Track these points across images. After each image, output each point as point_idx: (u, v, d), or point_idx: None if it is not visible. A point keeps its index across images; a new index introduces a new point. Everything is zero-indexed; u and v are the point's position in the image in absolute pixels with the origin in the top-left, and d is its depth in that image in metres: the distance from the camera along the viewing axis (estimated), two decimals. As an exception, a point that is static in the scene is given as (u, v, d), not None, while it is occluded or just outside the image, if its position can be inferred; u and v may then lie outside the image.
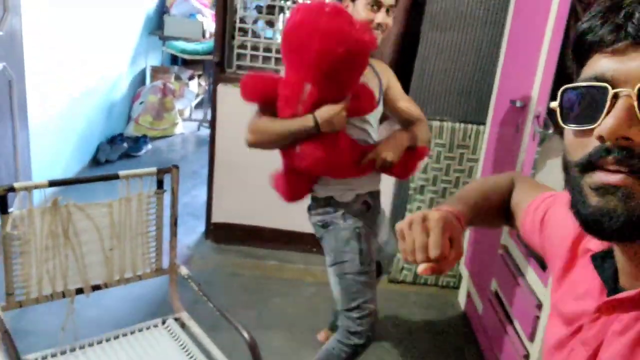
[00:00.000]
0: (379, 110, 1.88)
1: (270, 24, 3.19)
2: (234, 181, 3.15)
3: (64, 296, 1.55)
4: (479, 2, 2.67)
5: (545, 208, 0.89)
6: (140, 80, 5.25)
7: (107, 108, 4.52)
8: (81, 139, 4.06)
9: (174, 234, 1.69)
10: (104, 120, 4.48)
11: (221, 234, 3.27)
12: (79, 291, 1.58)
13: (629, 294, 0.62)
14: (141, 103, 4.92)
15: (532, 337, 1.90)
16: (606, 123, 0.55)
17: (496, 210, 1.00)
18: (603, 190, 0.56)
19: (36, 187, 1.46)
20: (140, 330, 1.65)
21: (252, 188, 3.09)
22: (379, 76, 1.89)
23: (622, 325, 0.62)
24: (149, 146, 4.72)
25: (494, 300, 2.37)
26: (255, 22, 3.14)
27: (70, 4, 3.66)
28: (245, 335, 1.43)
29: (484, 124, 2.79)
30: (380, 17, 1.66)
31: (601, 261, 0.69)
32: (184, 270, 1.69)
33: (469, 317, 2.82)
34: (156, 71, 5.33)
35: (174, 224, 1.68)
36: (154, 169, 1.61)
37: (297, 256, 3.15)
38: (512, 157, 2.30)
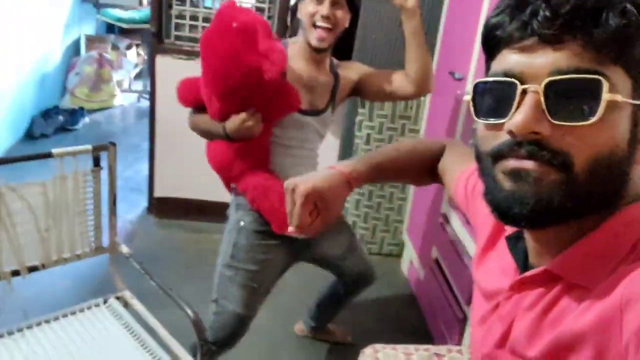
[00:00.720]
0: (327, 114, 1.78)
1: (209, -8, 3.10)
2: (176, 154, 3.10)
3: (-1, 278, 1.50)
4: None
5: (475, 181, 0.92)
6: (74, 50, 5.03)
7: (39, 80, 4.31)
8: (11, 112, 3.87)
9: (112, 212, 1.66)
10: (36, 92, 4.27)
11: (164, 208, 3.22)
12: (15, 273, 1.53)
13: (534, 271, 0.65)
14: (77, 74, 4.72)
15: (469, 302, 1.99)
16: (516, 119, 0.57)
17: (419, 170, 1.05)
18: (515, 175, 0.58)
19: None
20: (82, 310, 1.62)
21: (195, 161, 3.02)
22: (337, 78, 1.79)
23: (531, 301, 0.66)
24: (87, 119, 4.56)
25: (435, 267, 2.45)
26: (193, -10, 3.04)
27: (-6, -32, 3.45)
28: (189, 311, 1.43)
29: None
30: (323, 9, 1.59)
31: (515, 242, 0.73)
32: (124, 249, 1.66)
33: (411, 284, 2.90)
34: (91, 40, 5.12)
35: (113, 202, 1.64)
36: (89, 147, 1.56)
37: (242, 229, 3.14)
38: (452, 128, 2.36)
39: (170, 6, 2.91)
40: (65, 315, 1.59)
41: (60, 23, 4.66)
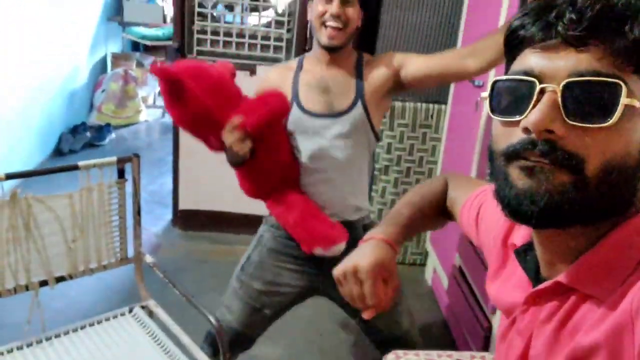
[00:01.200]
0: (352, 115, 1.59)
1: (230, 7, 3.16)
2: (199, 167, 3.14)
3: (27, 289, 1.54)
4: None
5: (478, 205, 0.94)
6: (101, 68, 5.16)
7: (67, 97, 4.43)
8: (41, 129, 3.98)
9: (137, 222, 1.69)
10: (64, 109, 4.39)
11: (189, 220, 3.26)
12: (43, 283, 1.57)
13: (546, 284, 0.65)
14: (103, 91, 4.83)
15: (494, 310, 1.97)
16: (532, 116, 0.57)
17: (435, 215, 1.06)
18: (530, 170, 0.59)
19: (-8, 180, 1.44)
20: (107, 319, 1.65)
21: (219, 173, 3.06)
22: (361, 75, 1.63)
23: (546, 314, 0.66)
24: (113, 135, 4.65)
25: (458, 276, 2.42)
26: (214, 6, 3.09)
27: (24, -9, 3.57)
28: (212, 319, 1.44)
29: (445, 103, 2.84)
30: (333, 8, 1.51)
31: (524, 255, 0.73)
32: (149, 259, 1.69)
33: (435, 293, 2.88)
34: (117, 58, 5.23)
35: (137, 212, 1.68)
36: (114, 159, 1.61)
37: (265, 240, 3.16)
38: (473, 135, 2.35)
39: (192, 22, 2.97)
40: (91, 325, 1.62)
41: (87, 42, 4.78)
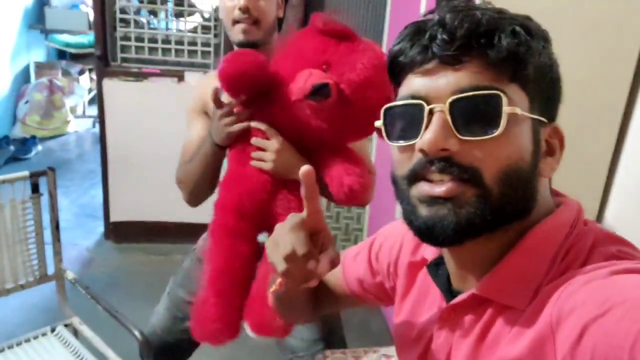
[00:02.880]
0: None
1: (154, 13, 3.08)
2: (130, 177, 3.06)
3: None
4: (358, 10, 2.75)
5: (367, 253, 0.90)
6: (23, 78, 4.94)
7: (-13, 110, 4.22)
8: (-42, 144, 3.77)
9: (56, 238, 1.63)
10: (-16, 122, 4.19)
11: (122, 232, 3.17)
12: (-45, 308, 1.49)
13: (463, 297, 0.65)
14: (26, 102, 4.63)
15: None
16: (425, 137, 0.59)
17: (309, 305, 0.97)
18: (431, 201, 0.60)
19: None
20: (28, 340, 1.57)
21: (150, 183, 3.01)
22: None
23: (464, 328, 0.66)
24: (39, 147, 4.47)
25: None
26: (137, 12, 3.01)
27: None
28: (136, 333, 1.40)
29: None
30: (241, 1, 1.34)
31: (436, 269, 0.73)
32: (69, 275, 1.63)
33: None
34: (41, 67, 5.03)
35: (56, 228, 1.61)
36: (26, 173, 1.54)
37: (202, 248, 3.11)
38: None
39: (114, 28, 2.89)
40: (10, 347, 1.54)
41: (7, 51, 4.57)
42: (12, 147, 4.23)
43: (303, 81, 1.08)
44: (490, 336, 0.63)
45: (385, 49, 2.64)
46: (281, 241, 0.69)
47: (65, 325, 1.64)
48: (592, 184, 1.45)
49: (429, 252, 0.75)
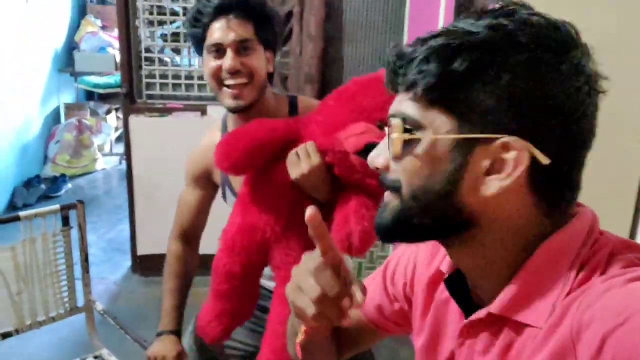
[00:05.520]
0: None
1: (177, 51, 3.19)
2: (156, 211, 3.11)
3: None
4: (376, 11, 2.73)
5: (381, 278, 0.89)
6: (54, 119, 5.09)
7: (19, 150, 4.34)
8: (-8, 184, 3.88)
9: (85, 270, 1.66)
10: (17, 163, 4.29)
11: (149, 266, 3.20)
12: (-11, 341, 1.52)
13: (479, 315, 0.65)
14: (57, 142, 4.77)
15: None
16: (371, 155, 0.68)
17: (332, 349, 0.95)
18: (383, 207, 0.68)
19: None
20: (59, 373, 1.60)
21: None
22: None
23: (483, 345, 0.65)
24: (69, 185, 4.57)
25: None
26: (161, 50, 3.12)
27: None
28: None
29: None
30: (227, 61, 1.20)
31: (453, 283, 0.72)
32: (98, 306, 1.66)
33: None
34: (70, 108, 5.18)
35: (85, 260, 1.65)
36: (57, 206, 1.60)
37: (228, 280, 3.12)
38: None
39: (140, 67, 2.99)
40: (42, 379, 1.57)
41: (38, 94, 4.72)
42: (43, 186, 4.34)
43: (356, 136, 1.00)
44: (512, 352, 0.62)
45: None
46: (305, 285, 0.67)
47: (95, 357, 1.67)
48: (624, 193, 1.41)
49: (444, 264, 0.74)
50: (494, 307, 0.62)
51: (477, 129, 0.58)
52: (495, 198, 0.59)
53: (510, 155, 0.57)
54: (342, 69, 2.81)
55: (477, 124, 0.58)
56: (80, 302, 1.70)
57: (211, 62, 1.22)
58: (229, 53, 1.20)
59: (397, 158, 0.63)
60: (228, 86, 1.22)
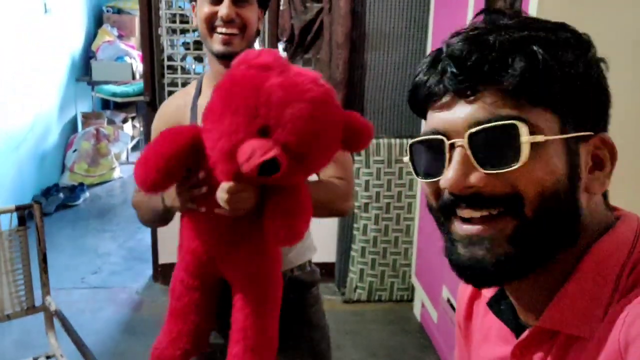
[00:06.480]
0: None
1: (199, 59, 3.14)
2: (177, 219, 2.94)
3: None
4: (400, 20, 2.79)
5: (457, 331, 0.87)
6: (71, 128, 5.10)
7: (38, 159, 4.33)
8: (12, 193, 3.81)
9: (43, 270, 1.62)
10: (35, 172, 4.28)
11: (170, 274, 3.03)
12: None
13: (528, 333, 0.63)
14: (74, 151, 4.75)
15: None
16: (447, 176, 0.58)
17: None
18: (468, 240, 0.59)
19: None
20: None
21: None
22: None
23: None
24: (87, 194, 4.55)
25: (447, 308, 2.29)
26: (183, 58, 3.11)
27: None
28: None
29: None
30: (223, 9, 1.24)
31: (497, 305, 0.70)
32: (52, 307, 1.61)
33: (425, 328, 2.72)
34: (87, 117, 5.18)
35: (42, 260, 1.61)
36: (12, 206, 1.59)
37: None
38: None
39: (162, 75, 2.99)
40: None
41: (55, 103, 4.72)
42: (61, 195, 4.31)
43: (246, 160, 0.95)
44: None
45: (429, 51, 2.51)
46: None
47: (47, 357, 1.64)
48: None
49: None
50: (543, 320, 0.61)
51: (581, 126, 0.58)
52: (596, 199, 0.60)
53: (606, 151, 0.59)
54: (365, 76, 2.88)
55: (578, 121, 0.58)
56: (39, 302, 1.67)
57: (206, 8, 1.26)
58: (226, 2, 1.25)
59: (499, 171, 0.56)
60: (220, 32, 1.26)
